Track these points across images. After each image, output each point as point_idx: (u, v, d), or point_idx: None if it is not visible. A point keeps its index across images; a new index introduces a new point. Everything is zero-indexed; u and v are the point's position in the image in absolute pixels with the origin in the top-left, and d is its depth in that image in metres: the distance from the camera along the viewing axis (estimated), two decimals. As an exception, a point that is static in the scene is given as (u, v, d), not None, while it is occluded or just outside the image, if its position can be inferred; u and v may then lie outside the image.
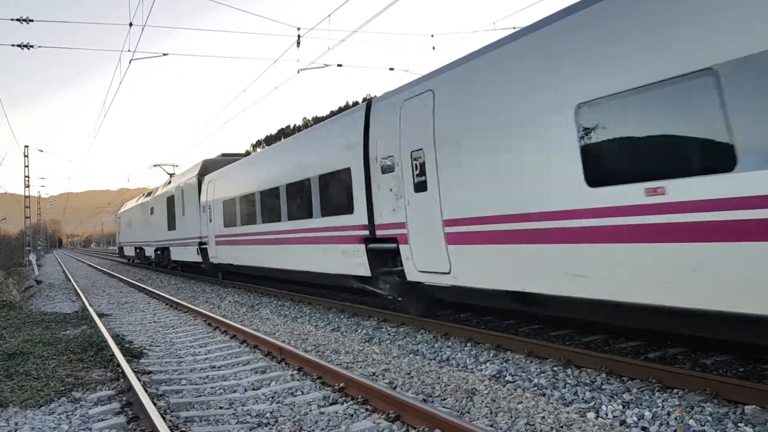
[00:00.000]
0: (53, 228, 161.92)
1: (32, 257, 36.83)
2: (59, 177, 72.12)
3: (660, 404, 5.02)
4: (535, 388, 5.78)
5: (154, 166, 30.88)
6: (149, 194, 30.92)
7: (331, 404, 5.63)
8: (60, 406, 6.05)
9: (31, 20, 18.26)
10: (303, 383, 6.41)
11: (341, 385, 5.96)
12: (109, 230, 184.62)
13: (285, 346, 7.70)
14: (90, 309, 13.42)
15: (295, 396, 5.98)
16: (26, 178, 41.68)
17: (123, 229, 41.26)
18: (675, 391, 5.31)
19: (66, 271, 34.81)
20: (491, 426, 4.79)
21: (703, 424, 4.54)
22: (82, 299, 16.27)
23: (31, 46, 18.97)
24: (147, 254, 30.90)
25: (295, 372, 6.89)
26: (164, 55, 17.31)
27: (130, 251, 38.26)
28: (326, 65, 17.01)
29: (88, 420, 5.57)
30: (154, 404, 5.52)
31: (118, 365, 7.29)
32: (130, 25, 15.07)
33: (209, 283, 20.55)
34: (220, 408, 5.72)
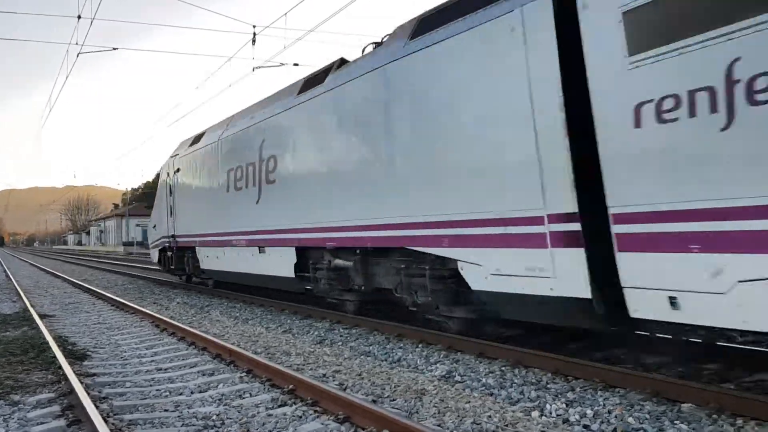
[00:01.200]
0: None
1: (-30, 256, 35.24)
2: (1, 173, 69.16)
3: (602, 403, 5.16)
4: (483, 388, 5.87)
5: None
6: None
7: (279, 406, 5.57)
8: (-4, 409, 5.80)
9: (-27, 9, 17.45)
10: (252, 385, 6.33)
11: (291, 386, 5.91)
12: (54, 228, 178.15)
13: (234, 348, 7.59)
14: (31, 310, 12.93)
15: (243, 398, 5.90)
16: (-35, 174, 39.92)
17: (184, 201, 16.58)
18: (617, 390, 5.47)
19: (7, 270, 33.43)
20: (439, 426, 4.84)
21: (641, 422, 4.69)
22: (23, 300, 15.66)
23: (-27, 36, 18.19)
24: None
25: (244, 374, 6.80)
26: (114, 49, 16.89)
27: (217, 261, 14.39)
28: (282, 64, 16.92)
29: (26, 423, 5.35)
30: (97, 407, 5.36)
31: (60, 367, 7.04)
32: (79, 17, 14.64)
33: (158, 284, 20.09)
34: (166, 411, 5.60)
